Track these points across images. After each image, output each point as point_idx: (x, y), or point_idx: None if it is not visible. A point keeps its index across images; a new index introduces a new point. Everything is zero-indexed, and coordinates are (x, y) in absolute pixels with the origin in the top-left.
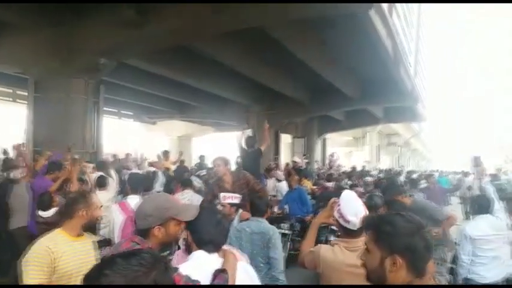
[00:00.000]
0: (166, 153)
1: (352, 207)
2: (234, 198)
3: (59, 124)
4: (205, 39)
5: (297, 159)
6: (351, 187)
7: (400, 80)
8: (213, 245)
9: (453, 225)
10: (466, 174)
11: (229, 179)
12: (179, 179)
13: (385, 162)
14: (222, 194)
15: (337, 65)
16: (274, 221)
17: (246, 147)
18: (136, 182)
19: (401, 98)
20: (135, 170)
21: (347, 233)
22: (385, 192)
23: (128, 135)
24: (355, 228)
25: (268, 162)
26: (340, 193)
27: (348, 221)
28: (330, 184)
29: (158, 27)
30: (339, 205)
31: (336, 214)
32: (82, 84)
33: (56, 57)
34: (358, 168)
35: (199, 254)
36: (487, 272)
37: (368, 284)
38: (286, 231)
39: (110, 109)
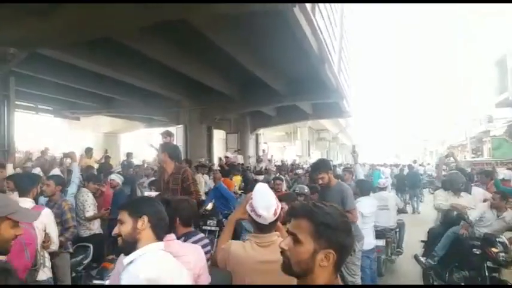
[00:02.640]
0: (88, 151)
1: (263, 201)
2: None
3: None
4: (124, 32)
5: (228, 154)
6: (274, 180)
7: (325, 77)
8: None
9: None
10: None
11: (170, 169)
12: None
13: (316, 156)
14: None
15: (266, 61)
16: (202, 218)
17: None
18: (24, 183)
19: (327, 94)
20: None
21: (259, 228)
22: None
23: (48, 132)
24: (266, 223)
25: (201, 158)
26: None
27: (259, 215)
28: (260, 178)
29: (72, 17)
30: (251, 199)
31: (248, 208)
32: None
33: None
34: (290, 162)
35: None
36: (368, 240)
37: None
38: (213, 228)
39: (26, 103)
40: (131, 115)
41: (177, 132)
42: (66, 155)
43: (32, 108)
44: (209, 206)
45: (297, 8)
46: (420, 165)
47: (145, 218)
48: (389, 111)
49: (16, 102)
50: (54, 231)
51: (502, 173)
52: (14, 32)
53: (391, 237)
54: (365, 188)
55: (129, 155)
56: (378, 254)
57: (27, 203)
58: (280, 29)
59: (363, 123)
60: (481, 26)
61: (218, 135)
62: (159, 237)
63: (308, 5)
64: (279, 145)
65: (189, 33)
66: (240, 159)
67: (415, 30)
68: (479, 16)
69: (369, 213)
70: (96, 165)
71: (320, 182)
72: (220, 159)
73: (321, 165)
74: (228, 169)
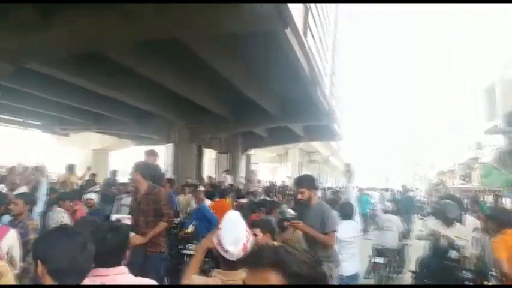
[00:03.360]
0: (71, 168)
1: (232, 234)
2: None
3: None
4: (113, 47)
5: (212, 175)
6: (255, 204)
7: (317, 100)
8: (76, 274)
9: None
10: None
11: (143, 189)
12: None
13: None
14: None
15: (259, 83)
16: (181, 241)
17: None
18: None
19: (318, 117)
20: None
21: (225, 263)
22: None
23: (36, 147)
24: (234, 259)
25: (189, 178)
26: (253, 208)
27: (225, 250)
28: (244, 200)
29: (61, 31)
30: (219, 229)
31: (214, 240)
32: None
33: None
34: (279, 184)
35: None
36: (350, 266)
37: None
38: (192, 252)
39: (13, 118)
40: (121, 132)
41: (167, 151)
42: (36, 169)
43: (19, 122)
44: (190, 229)
45: (288, 30)
46: (409, 189)
47: (39, 263)
48: (381, 134)
49: (2, 116)
50: (17, 255)
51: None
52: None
53: (392, 256)
54: (347, 211)
55: (114, 172)
56: (376, 270)
57: None
58: (272, 50)
59: (355, 146)
60: (476, 26)
61: (209, 154)
62: None
63: (300, 28)
64: (270, 166)
65: (182, 53)
66: (229, 179)
67: (409, 32)
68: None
69: (349, 238)
70: (79, 182)
71: (299, 197)
72: (204, 179)
73: (304, 180)
74: (212, 190)
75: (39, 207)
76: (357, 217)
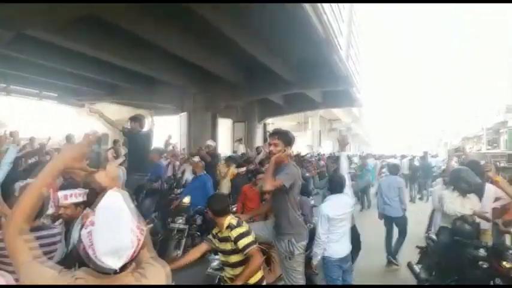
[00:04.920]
0: (69, 138)
1: (110, 238)
2: (77, 195)
3: None
4: (118, 10)
5: (210, 142)
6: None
7: (332, 64)
8: None
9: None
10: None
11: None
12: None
13: (327, 147)
14: (60, 194)
15: (272, 48)
16: (170, 215)
17: (131, 129)
18: None
19: (335, 82)
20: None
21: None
22: None
23: (55, 119)
24: (111, 272)
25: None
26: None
27: (100, 261)
28: (243, 169)
29: None
30: (91, 223)
31: (84, 239)
32: None
33: None
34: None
35: None
36: (339, 247)
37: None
38: (181, 226)
39: (29, 89)
40: (136, 102)
41: (181, 120)
42: (10, 135)
43: (35, 94)
44: (186, 199)
45: None
46: (432, 156)
47: None
48: (405, 101)
49: (18, 88)
50: None
51: None
52: None
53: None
54: (335, 184)
55: (115, 142)
56: None
57: None
58: (283, 12)
59: (377, 113)
60: None
61: (225, 123)
62: None
63: None
64: None
65: (194, 20)
66: (242, 148)
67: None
68: None
69: (339, 215)
70: None
71: (271, 149)
72: (200, 148)
73: (281, 133)
74: (211, 160)
75: None
76: (349, 190)
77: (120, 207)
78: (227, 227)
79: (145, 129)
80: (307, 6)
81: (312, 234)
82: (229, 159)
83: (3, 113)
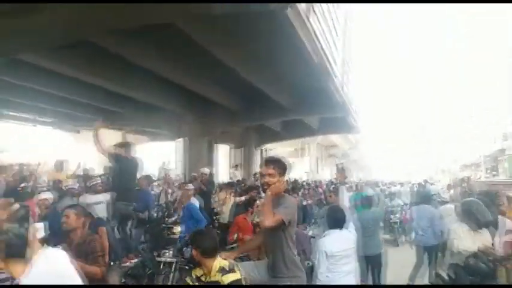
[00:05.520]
0: (58, 164)
1: None
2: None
3: None
4: (103, 35)
5: (205, 170)
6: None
7: (329, 91)
8: None
9: None
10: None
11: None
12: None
13: (325, 173)
14: None
15: (269, 74)
16: (160, 246)
17: (118, 155)
18: None
19: (332, 109)
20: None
21: None
22: None
23: (50, 144)
24: None
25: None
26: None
27: None
28: (243, 198)
29: (44, 18)
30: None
31: None
32: None
33: None
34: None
35: None
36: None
37: None
38: (168, 260)
39: (24, 115)
40: (132, 128)
41: (177, 146)
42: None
43: (30, 120)
44: (177, 229)
45: (292, 14)
46: (432, 184)
47: None
48: (402, 128)
49: (13, 114)
50: None
51: None
52: None
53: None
54: (336, 217)
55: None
56: None
57: None
58: (279, 40)
59: (375, 140)
60: None
61: (223, 150)
62: None
63: (303, 11)
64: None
65: (189, 47)
66: (238, 175)
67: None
68: None
69: (340, 252)
70: (68, 179)
71: (266, 179)
72: (194, 177)
73: (276, 161)
74: (207, 188)
75: None
76: (351, 225)
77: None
78: (218, 271)
79: (131, 156)
80: (301, 34)
81: (311, 274)
82: (227, 186)
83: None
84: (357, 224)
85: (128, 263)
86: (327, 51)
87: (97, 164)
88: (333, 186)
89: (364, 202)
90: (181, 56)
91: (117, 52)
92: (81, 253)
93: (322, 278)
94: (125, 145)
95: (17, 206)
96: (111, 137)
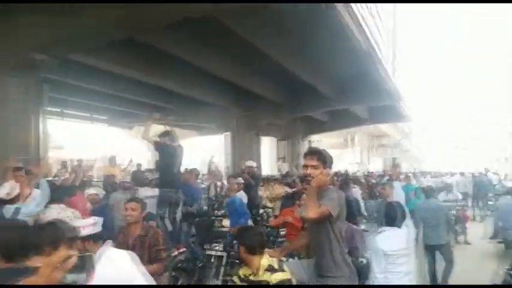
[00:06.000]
0: (112, 159)
1: None
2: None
3: None
4: (152, 29)
5: (251, 163)
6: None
7: (376, 78)
8: None
9: None
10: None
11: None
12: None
13: (376, 164)
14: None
15: (313, 64)
16: (210, 239)
17: (162, 143)
18: None
19: (380, 97)
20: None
21: None
22: None
23: (103, 141)
24: None
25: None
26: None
27: None
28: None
29: (96, 18)
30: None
31: None
32: (20, 84)
33: None
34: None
35: None
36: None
37: None
38: (219, 253)
39: (81, 113)
40: (181, 123)
41: (225, 140)
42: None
43: (87, 117)
44: (225, 223)
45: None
46: (494, 173)
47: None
48: (461, 115)
49: (70, 112)
50: None
51: None
52: (39, 38)
53: None
54: (392, 215)
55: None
56: None
57: None
58: (323, 27)
59: (431, 128)
60: None
61: (268, 142)
62: None
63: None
64: (335, 152)
65: (236, 42)
66: (285, 167)
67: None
68: None
69: (397, 251)
70: (120, 174)
71: (309, 171)
72: (242, 170)
73: (319, 152)
74: (254, 182)
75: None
76: (409, 222)
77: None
78: (266, 269)
79: (175, 144)
80: (348, 18)
81: (364, 273)
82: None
83: (59, 136)
84: (416, 216)
85: (176, 253)
86: (373, 36)
87: (147, 159)
88: (385, 178)
89: (427, 191)
90: (227, 51)
91: (166, 49)
92: (142, 246)
93: (378, 279)
94: (168, 134)
95: (74, 259)
96: (161, 131)
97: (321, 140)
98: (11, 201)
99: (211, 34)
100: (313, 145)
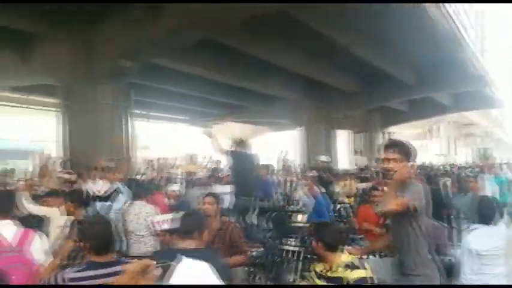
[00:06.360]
0: (192, 157)
1: None
2: (172, 220)
3: (89, 131)
4: (229, 29)
5: (324, 157)
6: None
7: (461, 61)
8: None
9: None
10: None
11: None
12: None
13: (463, 155)
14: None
15: (388, 51)
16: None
17: (235, 151)
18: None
19: (465, 82)
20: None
21: None
22: None
23: (187, 140)
24: None
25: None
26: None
27: None
28: (365, 185)
29: (172, 22)
30: None
31: None
32: (109, 90)
33: (80, 64)
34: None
35: None
36: None
37: None
38: (292, 248)
39: (162, 115)
40: (256, 120)
41: (297, 135)
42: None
43: (168, 118)
44: (299, 218)
45: None
46: None
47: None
48: None
49: (153, 114)
50: (44, 260)
51: None
52: (125, 46)
53: None
54: (484, 212)
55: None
56: None
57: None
58: (401, 10)
59: None
60: None
61: (343, 135)
62: None
63: None
64: (416, 144)
65: (307, 34)
66: (362, 161)
67: None
68: None
69: (490, 250)
70: (199, 172)
71: (388, 165)
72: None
73: (400, 144)
74: (327, 177)
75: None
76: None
77: None
78: (345, 266)
79: (247, 152)
80: None
81: (452, 272)
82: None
83: (145, 137)
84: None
85: (252, 249)
86: (458, 16)
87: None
88: (470, 169)
89: None
90: (299, 44)
91: (239, 48)
92: (221, 240)
93: (466, 280)
94: (240, 142)
95: (159, 271)
96: (237, 129)
97: (400, 132)
98: (104, 198)
99: (282, 28)
100: (393, 137)
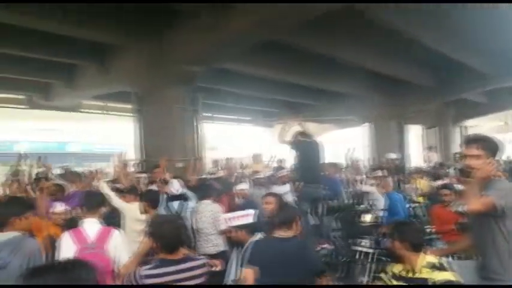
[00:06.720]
0: (257, 157)
1: None
2: (243, 217)
3: (162, 134)
4: (292, 27)
5: (392, 155)
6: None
7: None
8: None
9: None
10: None
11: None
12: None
13: None
14: (225, 216)
15: (461, 39)
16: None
17: (297, 140)
18: (91, 200)
19: None
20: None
21: None
22: None
23: (252, 140)
24: None
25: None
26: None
27: None
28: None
29: (237, 25)
30: None
31: None
32: (180, 94)
33: (152, 71)
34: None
35: None
36: None
37: None
38: (365, 249)
39: (228, 116)
40: (320, 118)
41: (365, 132)
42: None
43: (234, 120)
44: (367, 218)
45: None
46: None
47: None
48: None
49: (220, 116)
50: (123, 256)
51: None
52: (193, 52)
53: None
54: None
55: (281, 161)
56: None
57: (91, 223)
58: None
59: None
60: None
61: (414, 130)
62: None
63: None
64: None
65: (376, 28)
66: (435, 157)
67: None
68: None
69: None
70: (264, 171)
71: (470, 162)
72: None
73: (483, 140)
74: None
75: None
76: None
77: None
78: (426, 267)
79: (311, 139)
80: None
81: None
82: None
83: (213, 138)
84: None
85: (319, 248)
86: None
87: (288, 155)
88: None
89: None
90: (367, 39)
91: (303, 46)
92: None
93: None
94: (302, 133)
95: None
96: (300, 127)
97: (478, 125)
98: (178, 197)
99: (350, 24)
100: (471, 131)
